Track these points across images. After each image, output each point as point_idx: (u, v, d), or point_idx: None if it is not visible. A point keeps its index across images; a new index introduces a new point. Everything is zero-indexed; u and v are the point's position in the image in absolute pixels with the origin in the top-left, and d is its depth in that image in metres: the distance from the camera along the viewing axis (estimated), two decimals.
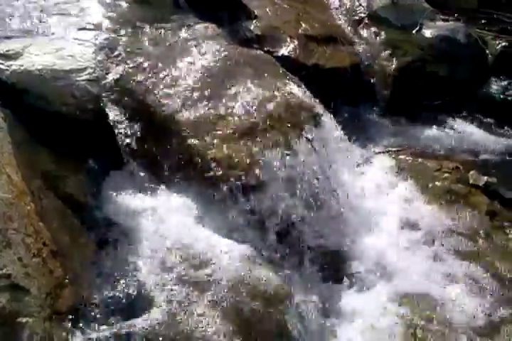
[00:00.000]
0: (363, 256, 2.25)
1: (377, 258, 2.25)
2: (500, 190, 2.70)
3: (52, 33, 2.42)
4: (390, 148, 2.98)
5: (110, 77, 2.31)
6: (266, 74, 2.76)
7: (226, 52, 2.77)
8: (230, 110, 2.52)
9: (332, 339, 1.94)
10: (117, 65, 2.39)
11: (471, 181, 2.75)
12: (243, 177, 2.23)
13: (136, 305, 1.79)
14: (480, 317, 2.01)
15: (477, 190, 2.69)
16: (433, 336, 1.93)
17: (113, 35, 2.51)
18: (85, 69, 2.28)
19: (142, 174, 2.22)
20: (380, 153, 2.93)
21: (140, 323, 1.68)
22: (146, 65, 2.51)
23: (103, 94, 2.26)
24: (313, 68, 3.35)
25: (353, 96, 3.28)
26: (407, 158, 2.88)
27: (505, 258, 2.30)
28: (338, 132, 2.73)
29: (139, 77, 2.40)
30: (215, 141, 2.39)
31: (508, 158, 2.97)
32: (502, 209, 2.61)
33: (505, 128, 3.20)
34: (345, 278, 2.18)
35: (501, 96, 3.47)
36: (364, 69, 3.40)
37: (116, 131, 2.21)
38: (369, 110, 3.26)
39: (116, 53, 2.45)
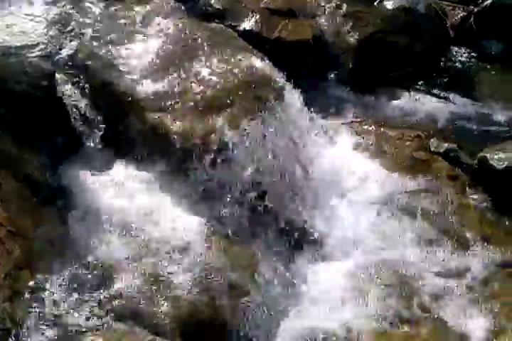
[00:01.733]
0: (325, 225, 2.29)
1: (339, 226, 2.29)
2: (460, 155, 2.78)
3: (2, 9, 2.35)
4: (353, 119, 3.01)
5: (64, 53, 2.25)
6: (227, 49, 2.74)
7: (186, 27, 2.73)
8: (190, 84, 2.50)
9: (294, 303, 1.99)
10: (71, 40, 2.33)
11: (432, 148, 2.82)
12: (205, 151, 2.23)
13: (99, 280, 1.79)
14: (437, 278, 2.09)
15: (438, 157, 2.76)
16: (392, 300, 1.99)
17: (66, 10, 2.44)
18: (37, 45, 2.22)
19: (102, 151, 2.20)
20: (343, 124, 2.96)
21: (103, 296, 1.68)
22: (102, 40, 2.46)
23: (57, 71, 2.22)
24: (275, 42, 3.35)
25: (317, 68, 3.30)
26: (370, 128, 2.92)
27: (464, 219, 2.38)
28: (302, 105, 2.75)
29: (95, 53, 2.35)
30: (177, 115, 2.38)
31: (467, 125, 3.04)
32: (462, 174, 2.69)
33: (465, 96, 3.26)
34: (307, 246, 2.22)
35: (461, 66, 3.54)
36: (326, 42, 3.42)
37: (71, 108, 2.16)
38: (333, 82, 3.28)
39: (69, 28, 2.39)
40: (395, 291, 2.05)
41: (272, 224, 2.24)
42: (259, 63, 2.72)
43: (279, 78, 2.71)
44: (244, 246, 2.07)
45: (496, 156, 2.65)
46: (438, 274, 2.15)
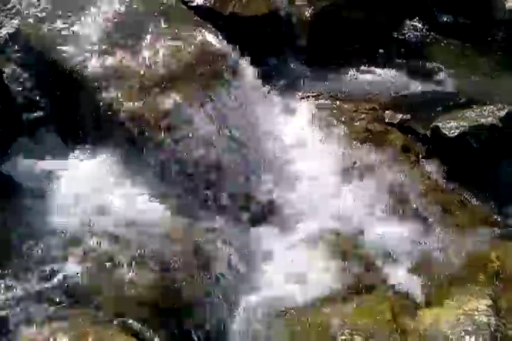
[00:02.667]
0: (283, 197, 2.32)
1: (297, 198, 2.33)
2: (413, 126, 2.85)
3: None
4: (309, 94, 3.03)
5: (4, 32, 2.16)
6: (180, 24, 2.69)
7: (137, 3, 2.66)
8: (142, 61, 2.45)
9: (257, 277, 2.02)
10: (12, 18, 2.23)
11: (386, 120, 2.87)
12: (159, 129, 2.21)
13: (53, 262, 1.76)
14: (393, 245, 2.17)
15: (393, 128, 2.81)
16: (348, 269, 2.05)
17: None
18: None
19: (50, 132, 2.14)
20: (299, 99, 2.97)
21: (56, 277, 1.67)
22: (45, 17, 2.37)
23: None
24: (230, 17, 3.31)
25: (273, 43, 3.28)
26: (326, 102, 2.94)
27: (419, 187, 2.45)
28: (258, 80, 2.74)
29: (38, 31, 2.26)
30: (128, 94, 2.33)
31: (421, 96, 3.10)
32: (415, 144, 2.75)
33: (418, 68, 3.32)
34: (266, 219, 2.25)
35: (414, 39, 3.58)
36: (281, 17, 3.40)
37: (14, 90, 2.09)
38: (288, 57, 3.28)
39: (10, 6, 2.29)
40: (350, 260, 2.11)
41: (230, 200, 2.25)
42: (213, 39, 2.68)
43: (234, 54, 2.69)
44: (203, 222, 2.07)
45: (448, 125, 2.73)
46: (394, 242, 2.22)
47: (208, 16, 3.01)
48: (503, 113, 2.72)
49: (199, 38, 2.64)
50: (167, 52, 2.50)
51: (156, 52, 2.49)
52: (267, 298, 1.96)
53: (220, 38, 2.71)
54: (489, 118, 2.70)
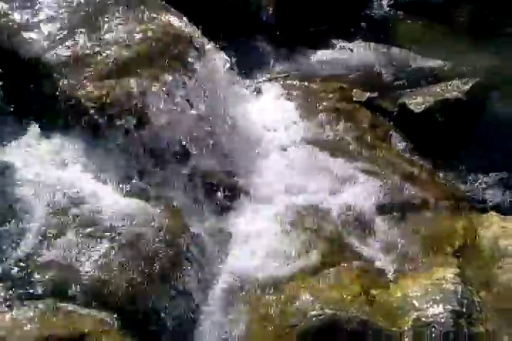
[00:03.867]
0: (252, 175, 2.33)
1: (266, 175, 2.33)
2: (381, 103, 2.87)
3: None
4: (277, 75, 3.02)
5: None
6: (142, 7, 2.62)
7: None
8: (104, 46, 2.39)
9: (228, 261, 2.04)
10: None
11: (354, 98, 2.88)
12: (123, 114, 2.17)
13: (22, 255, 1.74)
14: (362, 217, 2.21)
15: (361, 106, 2.83)
16: (317, 242, 2.08)
17: None
18: None
19: (12, 120, 2.09)
20: (268, 80, 2.96)
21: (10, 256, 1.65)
22: (3, 5, 2.30)
23: None
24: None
25: (240, 24, 3.25)
26: (294, 83, 2.94)
27: (387, 162, 2.48)
28: (224, 62, 2.71)
29: None
30: (91, 80, 2.28)
31: (389, 73, 3.11)
32: (383, 121, 2.78)
33: (385, 46, 3.32)
34: (235, 197, 2.26)
35: (381, 17, 3.59)
36: None
37: None
38: (256, 39, 3.26)
39: None
40: (320, 235, 2.13)
41: (199, 181, 2.25)
42: (177, 21, 2.64)
43: (199, 35, 2.65)
44: (171, 210, 2.06)
45: (414, 101, 2.75)
46: (362, 216, 2.25)
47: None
48: (467, 87, 2.76)
49: (162, 20, 2.59)
50: (129, 36, 2.45)
51: (117, 36, 2.44)
52: (236, 275, 1.97)
53: (184, 20, 2.67)
54: (454, 93, 2.74)
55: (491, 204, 2.41)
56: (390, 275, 2.06)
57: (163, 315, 1.78)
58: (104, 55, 2.37)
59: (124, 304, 1.76)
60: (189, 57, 2.55)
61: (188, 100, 2.42)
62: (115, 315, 1.72)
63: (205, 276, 1.95)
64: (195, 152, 2.31)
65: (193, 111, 2.38)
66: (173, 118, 2.32)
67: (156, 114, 2.28)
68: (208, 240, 2.01)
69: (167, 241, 1.91)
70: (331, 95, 2.87)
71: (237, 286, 1.97)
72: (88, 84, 2.27)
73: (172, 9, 2.76)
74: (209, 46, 2.70)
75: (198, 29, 2.69)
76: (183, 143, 2.30)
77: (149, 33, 2.51)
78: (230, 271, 2.00)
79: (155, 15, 2.63)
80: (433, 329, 1.81)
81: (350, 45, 3.32)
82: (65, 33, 2.41)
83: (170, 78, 2.40)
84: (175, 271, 1.87)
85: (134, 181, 2.06)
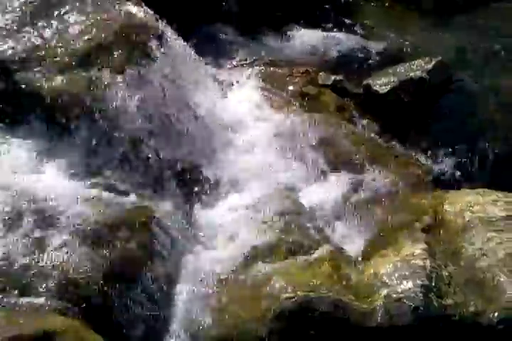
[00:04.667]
0: (219, 166, 2.32)
1: (233, 165, 2.33)
2: (346, 85, 2.88)
3: None
4: (243, 61, 3.00)
5: None
6: None
7: None
8: (62, 37, 2.35)
9: (198, 249, 2.05)
10: None
11: (320, 82, 2.88)
12: (82, 107, 2.14)
13: None
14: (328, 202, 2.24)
15: (327, 89, 2.83)
16: (288, 229, 2.09)
17: None
18: None
19: None
20: (233, 67, 2.94)
21: None
22: None
23: None
24: None
25: (203, 12, 3.21)
26: (260, 68, 2.91)
27: (353, 144, 2.49)
28: (186, 50, 2.68)
29: None
30: (50, 73, 2.24)
31: (354, 56, 3.11)
32: (349, 104, 2.80)
33: (350, 29, 3.32)
34: (203, 189, 2.25)
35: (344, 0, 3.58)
36: None
37: None
38: (220, 26, 3.21)
39: None
40: (289, 219, 2.14)
41: (166, 170, 2.23)
42: (136, 10, 2.59)
43: (160, 24, 2.61)
44: (137, 199, 2.04)
45: (378, 82, 2.78)
46: (332, 199, 2.27)
47: None
48: (430, 66, 2.79)
49: (122, 10, 2.55)
50: (89, 26, 2.40)
51: (77, 26, 2.39)
52: (207, 262, 1.97)
53: (145, 8, 2.63)
54: (417, 72, 2.77)
55: (456, 180, 2.46)
56: (361, 255, 2.09)
57: (132, 307, 1.77)
58: (63, 47, 2.33)
59: (92, 299, 1.74)
60: (151, 46, 2.52)
61: (151, 90, 2.40)
62: (82, 311, 1.69)
63: (174, 265, 1.95)
64: (160, 142, 2.30)
65: (157, 101, 2.37)
66: (136, 108, 2.30)
67: (119, 105, 2.25)
68: (176, 229, 2.00)
69: (134, 232, 1.90)
70: (296, 79, 2.86)
71: (208, 273, 1.97)
72: (49, 77, 2.24)
73: None
74: (171, 35, 2.67)
75: (160, 18, 2.67)
76: (147, 133, 2.29)
77: (109, 23, 2.47)
78: (200, 259, 2.00)
79: (115, 5, 2.59)
80: (403, 305, 1.85)
81: (314, 29, 3.30)
82: (21, 25, 2.36)
83: (132, 68, 2.38)
84: (143, 261, 1.87)
85: (97, 172, 2.05)
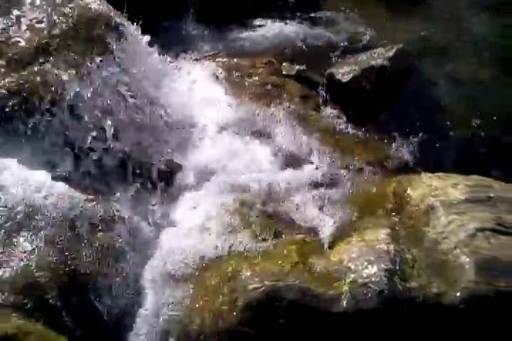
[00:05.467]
0: (185, 161, 2.30)
1: (199, 160, 2.32)
2: (310, 75, 2.89)
3: None
4: (206, 54, 2.98)
5: None
6: None
7: None
8: (19, 32, 2.28)
9: (166, 242, 2.03)
10: None
11: (284, 72, 2.89)
12: (44, 103, 2.09)
13: None
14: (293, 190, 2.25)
15: (290, 79, 2.84)
16: (255, 221, 2.10)
17: None
18: None
19: None
20: (196, 59, 2.92)
21: None
22: None
23: None
24: None
25: (164, 5, 3.17)
26: (224, 60, 2.91)
27: (318, 132, 2.52)
28: (147, 44, 2.64)
29: None
30: (7, 69, 2.18)
31: (317, 45, 3.12)
32: (313, 92, 2.81)
33: (312, 19, 3.32)
34: (168, 183, 2.24)
35: None
36: None
37: None
38: (182, 20, 3.18)
39: None
40: (256, 210, 2.13)
41: (129, 164, 2.20)
42: (94, 3, 2.54)
43: (118, 18, 2.57)
44: (102, 197, 2.01)
45: (341, 70, 2.79)
46: (298, 187, 2.28)
47: None
48: (390, 53, 2.82)
49: (79, 3, 2.49)
50: (45, 20, 2.34)
51: (32, 21, 2.33)
52: (175, 256, 1.97)
53: (103, 1, 2.58)
54: (379, 60, 2.79)
55: (419, 164, 2.50)
56: (327, 242, 2.11)
57: (98, 306, 1.75)
58: (19, 41, 2.26)
59: (53, 300, 1.70)
60: (109, 39, 2.47)
61: (110, 84, 2.36)
62: (44, 313, 1.65)
63: (138, 261, 1.93)
64: (122, 136, 2.26)
65: (116, 96, 2.33)
66: (95, 103, 2.26)
67: (78, 99, 2.21)
68: (142, 223, 1.98)
69: (99, 228, 1.88)
70: (260, 70, 2.86)
71: (176, 266, 1.96)
72: (4, 73, 2.18)
73: None
74: (130, 28, 2.63)
75: (120, 11, 2.62)
76: (108, 127, 2.25)
77: (66, 17, 2.42)
78: (168, 252, 1.99)
79: None
80: (369, 289, 1.88)
81: (277, 20, 3.29)
82: None
83: (89, 62, 2.33)
84: (109, 259, 1.85)
85: (59, 168, 2.01)
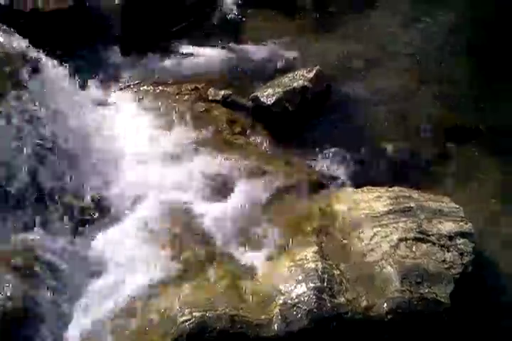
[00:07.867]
0: (110, 189, 2.26)
1: (126, 187, 2.28)
2: (236, 100, 2.92)
3: None
4: (130, 83, 2.96)
5: None
6: None
7: None
8: None
9: (93, 278, 1.97)
10: None
11: (210, 97, 2.91)
12: None
13: None
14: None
15: (217, 104, 2.85)
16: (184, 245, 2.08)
17: None
18: None
19: None
20: (119, 89, 2.89)
21: None
22: None
23: None
24: (31, 14, 3.12)
25: (83, 36, 3.14)
26: (148, 89, 2.89)
27: (245, 156, 2.52)
28: (66, 76, 2.60)
29: None
30: None
31: (242, 70, 3.15)
32: (240, 117, 2.83)
33: (237, 43, 3.37)
34: (93, 215, 2.18)
35: (230, 15, 3.65)
36: (90, 7, 3.26)
37: None
38: (103, 49, 3.15)
39: None
40: (185, 239, 2.12)
41: (51, 198, 2.13)
42: (6, 39, 2.49)
43: (34, 52, 2.52)
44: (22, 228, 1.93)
45: (265, 93, 2.83)
46: (220, 211, 2.26)
47: (5, 16, 2.81)
48: (311, 74, 2.91)
49: None
50: None
51: None
52: (104, 290, 1.90)
53: (16, 36, 2.53)
54: (300, 81, 2.86)
55: (344, 179, 2.55)
56: (257, 265, 2.10)
57: None
58: None
59: None
60: (23, 75, 2.43)
61: (26, 120, 2.30)
62: None
63: (67, 302, 1.86)
64: (41, 171, 2.20)
65: (33, 132, 2.27)
66: (11, 140, 2.19)
67: None
68: (64, 259, 1.90)
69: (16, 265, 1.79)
70: (186, 97, 2.87)
71: (105, 303, 1.89)
72: None
73: (2, 26, 2.61)
74: (46, 61, 2.59)
75: (34, 45, 2.57)
76: (25, 163, 2.18)
77: None
78: (94, 290, 1.92)
79: None
80: (299, 309, 1.87)
81: (201, 46, 3.32)
82: None
83: (2, 99, 2.27)
84: (28, 300, 1.76)
85: None
